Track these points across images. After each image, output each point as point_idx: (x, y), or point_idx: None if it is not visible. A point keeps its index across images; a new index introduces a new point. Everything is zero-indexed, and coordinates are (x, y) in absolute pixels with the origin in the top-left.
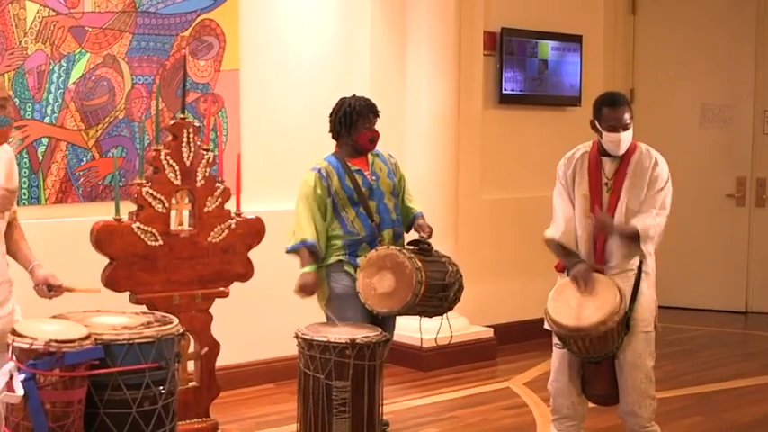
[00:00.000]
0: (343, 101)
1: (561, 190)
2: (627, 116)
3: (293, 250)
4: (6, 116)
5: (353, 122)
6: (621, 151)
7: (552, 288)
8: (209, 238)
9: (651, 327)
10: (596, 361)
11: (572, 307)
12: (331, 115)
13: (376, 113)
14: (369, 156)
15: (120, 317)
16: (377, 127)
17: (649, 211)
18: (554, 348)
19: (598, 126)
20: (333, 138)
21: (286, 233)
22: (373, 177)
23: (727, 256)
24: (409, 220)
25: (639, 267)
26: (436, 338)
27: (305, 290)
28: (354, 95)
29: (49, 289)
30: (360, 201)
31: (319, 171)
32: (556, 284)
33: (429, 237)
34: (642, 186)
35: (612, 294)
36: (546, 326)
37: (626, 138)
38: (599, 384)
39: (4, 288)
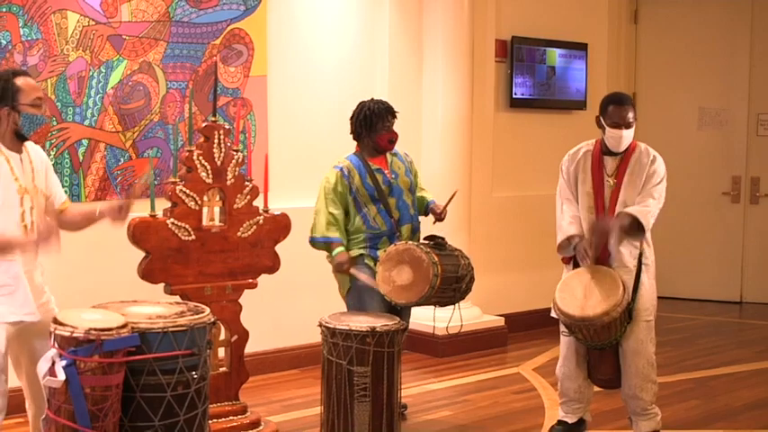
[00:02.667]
0: (362, 104)
1: (564, 187)
2: (630, 115)
3: (315, 242)
4: (43, 115)
5: (373, 124)
6: (622, 148)
7: (559, 279)
8: (239, 233)
9: (652, 316)
10: (600, 348)
11: (578, 298)
12: (352, 118)
13: (393, 115)
14: (387, 155)
15: (155, 307)
16: (395, 128)
17: (645, 202)
18: (561, 336)
19: (602, 122)
20: (354, 138)
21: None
22: (392, 176)
23: (723, 249)
24: (423, 206)
25: (639, 260)
26: (447, 327)
27: (341, 267)
28: (373, 99)
29: (120, 210)
30: (380, 198)
31: (341, 169)
32: (563, 276)
33: (443, 215)
34: (640, 181)
35: (616, 287)
36: (552, 314)
37: (627, 135)
38: (603, 369)
39: (39, 275)
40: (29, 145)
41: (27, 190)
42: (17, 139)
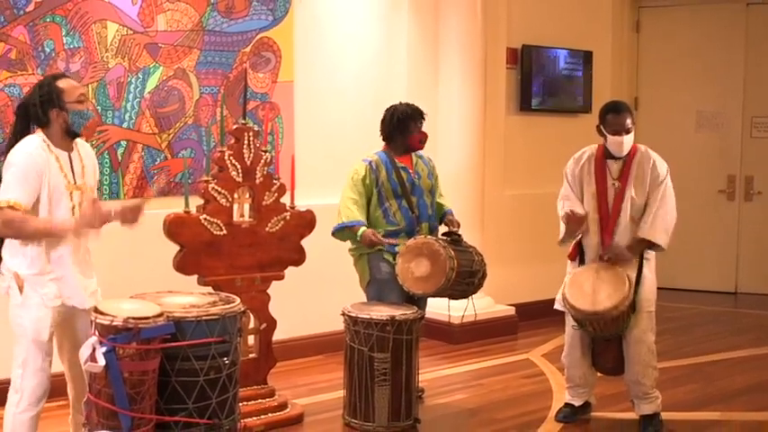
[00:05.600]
0: (393, 108)
1: (569, 191)
2: (629, 121)
3: (342, 228)
4: (87, 110)
5: (406, 126)
6: (624, 153)
7: (565, 274)
8: (267, 228)
9: (653, 306)
10: (607, 338)
11: (587, 293)
12: (383, 122)
13: (423, 117)
14: (413, 156)
15: (189, 297)
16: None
17: (657, 217)
18: (567, 326)
19: (603, 131)
20: (384, 140)
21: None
22: (416, 176)
23: (720, 243)
24: (441, 214)
25: (641, 255)
26: (462, 317)
27: (374, 243)
28: (401, 102)
29: (131, 211)
30: (403, 194)
31: (370, 163)
32: (568, 272)
33: (456, 228)
34: (645, 184)
35: (623, 282)
36: (556, 306)
37: (628, 140)
38: (608, 357)
39: (89, 266)
40: (79, 143)
41: (77, 186)
42: (68, 137)
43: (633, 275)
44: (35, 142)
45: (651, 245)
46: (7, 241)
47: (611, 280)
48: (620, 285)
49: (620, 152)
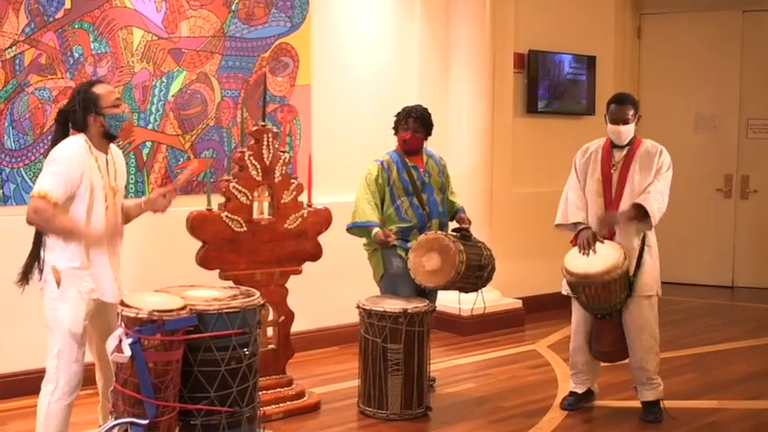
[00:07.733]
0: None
1: (575, 180)
2: (630, 113)
3: (356, 227)
4: (124, 113)
5: (397, 125)
6: (622, 141)
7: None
8: (286, 225)
9: (653, 291)
10: (602, 315)
11: (583, 260)
12: None
13: (416, 118)
14: (424, 156)
15: (210, 290)
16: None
17: (655, 192)
18: (573, 314)
19: (606, 119)
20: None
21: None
22: (426, 174)
23: (717, 239)
24: (453, 211)
25: (643, 242)
26: (472, 309)
27: (386, 243)
28: (417, 105)
29: (164, 196)
30: (414, 192)
31: (382, 163)
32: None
33: (467, 226)
34: (650, 169)
35: (616, 251)
36: (563, 291)
37: (625, 130)
38: (605, 341)
39: (118, 264)
40: (112, 147)
41: (111, 188)
42: (106, 140)
43: (634, 260)
44: (78, 142)
45: (642, 219)
46: (48, 239)
47: (606, 251)
48: (614, 253)
49: (618, 140)
